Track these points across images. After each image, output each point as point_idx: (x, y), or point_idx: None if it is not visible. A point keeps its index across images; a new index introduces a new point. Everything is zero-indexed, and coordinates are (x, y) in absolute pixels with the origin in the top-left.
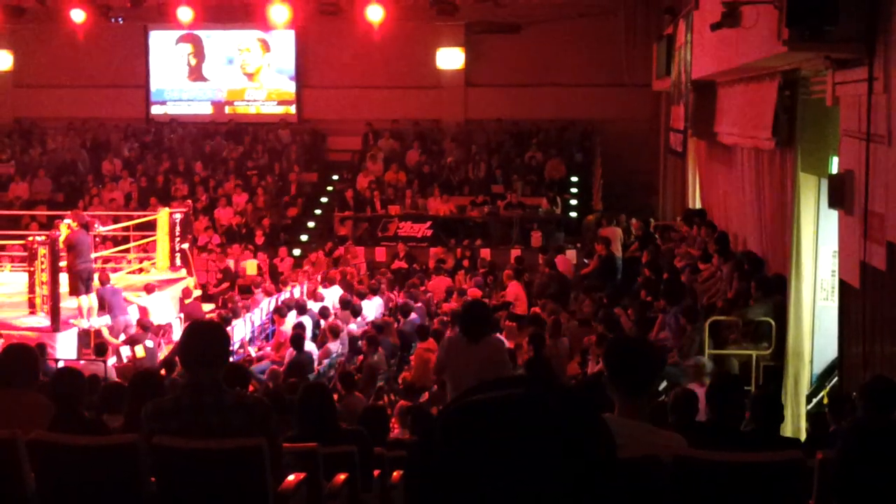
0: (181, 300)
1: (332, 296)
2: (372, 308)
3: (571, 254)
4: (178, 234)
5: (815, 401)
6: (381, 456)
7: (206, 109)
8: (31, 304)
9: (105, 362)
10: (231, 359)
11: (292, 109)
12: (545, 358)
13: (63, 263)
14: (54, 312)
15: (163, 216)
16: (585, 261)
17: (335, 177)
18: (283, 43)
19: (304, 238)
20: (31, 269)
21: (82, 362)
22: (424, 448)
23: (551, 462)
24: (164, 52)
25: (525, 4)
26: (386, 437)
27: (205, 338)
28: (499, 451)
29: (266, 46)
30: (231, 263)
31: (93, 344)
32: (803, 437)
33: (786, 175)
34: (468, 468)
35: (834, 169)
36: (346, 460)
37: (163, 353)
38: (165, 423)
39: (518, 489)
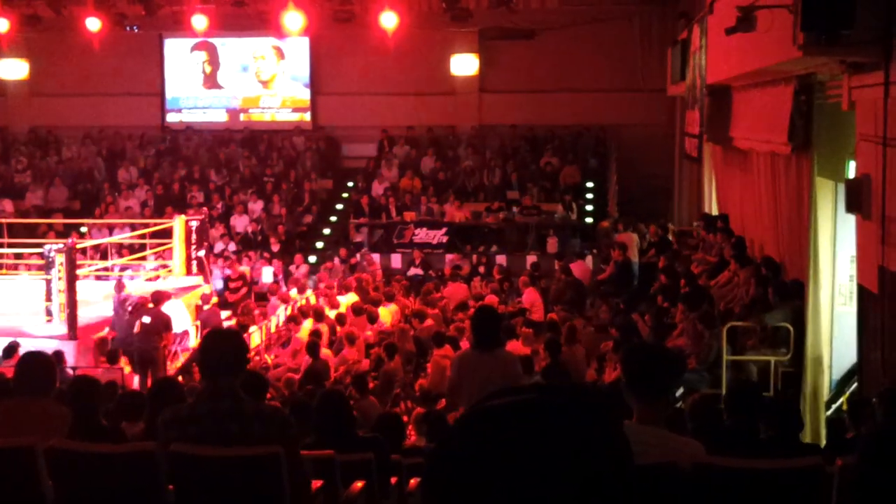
0: (198, 307)
1: (349, 303)
2: (388, 315)
3: (588, 260)
4: (193, 241)
5: (834, 407)
6: (398, 463)
7: (221, 117)
8: (49, 312)
9: (122, 370)
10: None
11: (307, 116)
12: (563, 364)
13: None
14: (71, 320)
15: (179, 224)
16: (602, 266)
17: (350, 184)
18: (298, 50)
19: (319, 245)
20: (48, 277)
21: (100, 370)
22: (441, 454)
23: (565, 467)
24: (179, 60)
25: (539, 10)
26: (401, 445)
27: (223, 345)
28: (514, 456)
29: (280, 54)
30: (247, 270)
31: (106, 350)
32: (823, 443)
33: (802, 180)
34: (484, 473)
35: (851, 173)
36: (363, 467)
37: (179, 361)
38: (183, 430)
39: (532, 494)
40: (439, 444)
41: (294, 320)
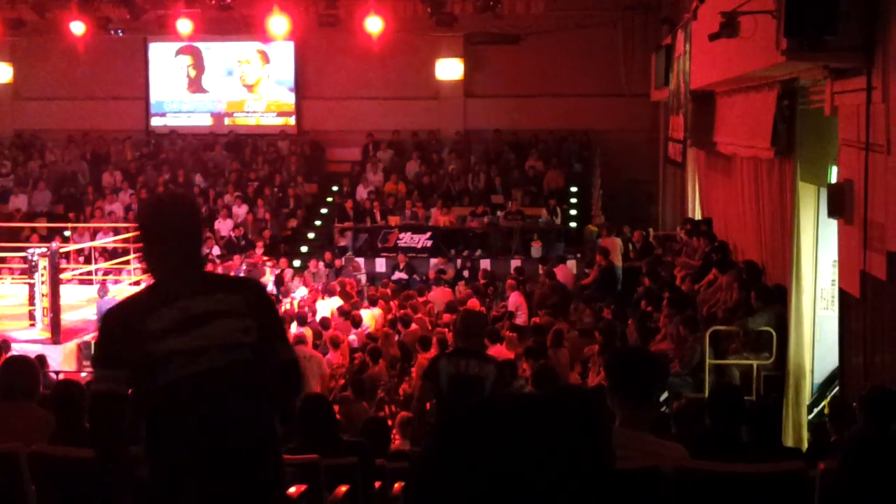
0: None
1: (333, 307)
2: (371, 319)
3: (571, 264)
4: None
5: (816, 410)
6: (383, 467)
7: (206, 121)
8: (31, 317)
9: None
10: None
11: (292, 121)
12: (551, 367)
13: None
14: (54, 325)
15: None
16: (586, 271)
17: (335, 188)
18: (283, 54)
19: (304, 249)
20: (32, 281)
21: (83, 374)
22: (428, 454)
23: (550, 465)
24: (164, 64)
25: (524, 15)
26: (387, 449)
27: None
28: (498, 453)
29: (265, 58)
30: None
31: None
32: (805, 447)
33: (785, 184)
34: (467, 468)
35: (833, 178)
36: (347, 472)
37: None
38: None
39: (515, 490)
40: (427, 446)
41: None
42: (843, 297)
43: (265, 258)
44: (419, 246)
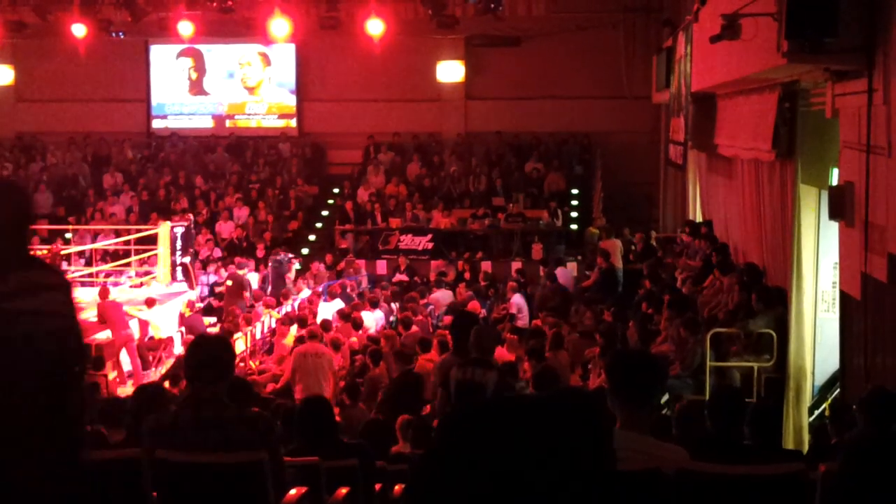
0: (181, 314)
1: (334, 309)
2: (372, 321)
3: (572, 266)
4: (179, 247)
5: (817, 413)
6: (383, 470)
7: (207, 123)
8: None
9: (106, 376)
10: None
11: (293, 123)
12: (552, 369)
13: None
14: None
15: (164, 230)
16: (587, 273)
17: (336, 190)
18: (284, 57)
19: (305, 251)
20: None
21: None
22: (430, 455)
23: (551, 466)
24: (165, 67)
25: (525, 18)
26: (388, 451)
27: (209, 352)
28: (500, 453)
29: (267, 60)
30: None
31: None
32: (805, 449)
33: (786, 187)
34: (469, 467)
35: (834, 180)
36: (347, 474)
37: (164, 367)
38: (166, 438)
39: (516, 489)
40: (430, 447)
41: (281, 323)
42: (844, 299)
43: (290, 255)
44: (420, 248)
